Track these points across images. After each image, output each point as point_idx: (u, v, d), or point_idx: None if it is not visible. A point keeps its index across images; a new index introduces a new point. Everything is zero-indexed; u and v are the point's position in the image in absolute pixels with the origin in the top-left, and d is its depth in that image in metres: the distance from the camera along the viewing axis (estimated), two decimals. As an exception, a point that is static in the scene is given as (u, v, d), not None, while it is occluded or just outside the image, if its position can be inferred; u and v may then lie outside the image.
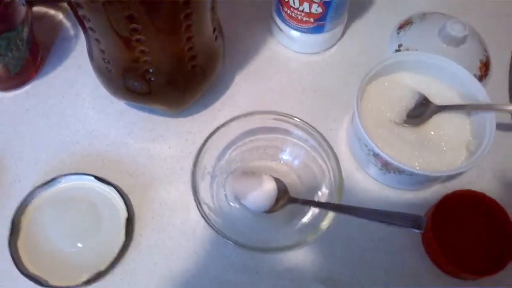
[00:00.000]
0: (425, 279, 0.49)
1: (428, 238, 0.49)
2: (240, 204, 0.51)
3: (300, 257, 0.50)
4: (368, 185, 0.54)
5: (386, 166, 0.50)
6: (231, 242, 0.45)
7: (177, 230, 0.51)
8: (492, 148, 0.47)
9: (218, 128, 0.50)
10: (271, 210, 0.50)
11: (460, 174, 0.55)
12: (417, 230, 0.41)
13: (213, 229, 0.45)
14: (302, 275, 0.49)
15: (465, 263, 0.48)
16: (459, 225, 0.51)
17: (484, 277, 0.48)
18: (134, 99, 0.52)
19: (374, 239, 0.51)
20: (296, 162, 0.54)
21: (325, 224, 0.45)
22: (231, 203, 0.52)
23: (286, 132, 0.53)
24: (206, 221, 0.46)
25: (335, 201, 0.47)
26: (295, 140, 0.53)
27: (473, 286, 0.49)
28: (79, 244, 0.49)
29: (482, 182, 0.54)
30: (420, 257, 0.50)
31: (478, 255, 0.49)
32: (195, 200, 0.46)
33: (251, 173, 0.53)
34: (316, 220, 0.48)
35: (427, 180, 0.51)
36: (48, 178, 0.52)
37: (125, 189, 0.52)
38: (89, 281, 0.47)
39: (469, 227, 0.50)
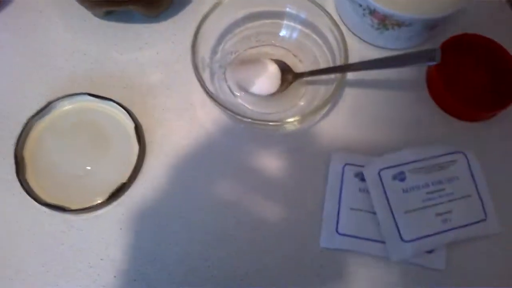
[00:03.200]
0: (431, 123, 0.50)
1: (432, 77, 0.50)
2: (246, 92, 0.50)
3: (315, 132, 0.50)
4: (363, 52, 0.54)
5: (383, 22, 0.49)
6: (243, 120, 0.44)
7: (186, 129, 0.49)
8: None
9: (206, 16, 0.47)
10: (278, 91, 0.49)
11: (455, 20, 0.54)
12: (434, 63, 0.40)
13: (223, 108, 0.44)
14: (319, 149, 0.49)
15: (468, 100, 0.49)
16: (463, 67, 0.51)
17: (487, 114, 0.49)
18: (110, 4, 0.49)
19: (381, 102, 0.51)
20: (292, 40, 0.52)
21: (333, 91, 0.45)
22: (236, 93, 0.50)
23: (275, 14, 0.51)
24: (219, 105, 0.44)
25: (342, 63, 0.46)
26: (285, 22, 0.52)
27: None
28: (87, 167, 0.47)
29: (488, 29, 0.53)
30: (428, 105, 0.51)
31: (482, 94, 0.50)
32: (203, 88, 0.45)
33: (249, 61, 0.51)
34: (322, 92, 0.47)
35: (425, 30, 0.51)
36: (40, 107, 0.48)
37: (123, 102, 0.50)
38: (113, 196, 0.45)
39: (473, 69, 0.51)
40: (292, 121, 0.45)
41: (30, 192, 0.45)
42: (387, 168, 0.46)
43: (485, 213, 0.46)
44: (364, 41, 0.54)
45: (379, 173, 0.46)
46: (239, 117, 0.44)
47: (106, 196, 0.45)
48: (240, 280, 0.44)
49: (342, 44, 0.46)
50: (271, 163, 0.48)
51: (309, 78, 0.51)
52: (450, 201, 0.45)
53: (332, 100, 0.47)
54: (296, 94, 0.51)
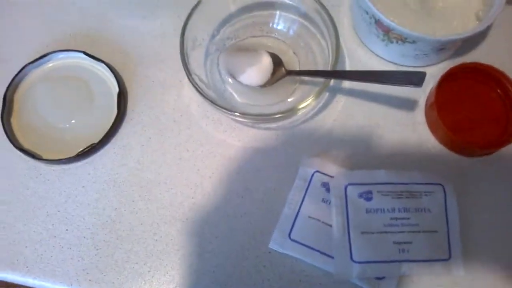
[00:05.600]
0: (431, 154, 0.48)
1: (433, 114, 0.47)
2: (235, 80, 0.49)
3: (297, 133, 0.49)
4: (370, 62, 0.51)
5: (388, 34, 0.47)
6: (224, 112, 0.43)
7: (170, 106, 0.50)
8: (503, 21, 0.43)
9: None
10: (266, 83, 0.48)
11: (468, 48, 0.51)
12: (416, 87, 0.38)
13: (205, 98, 0.44)
14: (296, 150, 0.48)
15: (462, 131, 0.46)
16: (465, 98, 0.48)
17: (490, 149, 0.46)
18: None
19: (374, 115, 0.49)
20: (295, 37, 0.51)
21: (315, 94, 0.44)
22: (226, 79, 0.50)
23: (281, 5, 0.50)
24: (197, 90, 0.44)
25: (331, 67, 0.45)
26: (294, 17, 0.51)
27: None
28: (72, 121, 0.49)
29: (492, 56, 0.51)
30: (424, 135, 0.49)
31: (486, 128, 0.47)
32: (184, 67, 0.45)
33: (246, 49, 0.51)
34: (310, 92, 0.46)
35: (432, 51, 0.48)
36: (38, 56, 0.50)
37: (116, 67, 0.51)
38: (82, 154, 0.47)
39: (477, 100, 0.48)
40: (274, 116, 0.44)
41: (10, 134, 0.48)
42: (356, 184, 0.44)
43: (450, 253, 0.43)
44: (372, 52, 0.52)
45: (345, 188, 0.44)
46: (209, 102, 0.44)
47: (75, 152, 0.47)
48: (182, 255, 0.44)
49: (336, 49, 0.45)
50: (244, 155, 0.48)
51: (302, 78, 0.49)
52: (413, 232, 0.43)
53: (316, 102, 0.46)
54: (286, 91, 0.50)
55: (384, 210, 0.43)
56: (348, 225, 0.43)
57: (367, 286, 0.42)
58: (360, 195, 0.44)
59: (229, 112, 0.44)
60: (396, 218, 0.43)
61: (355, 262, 0.42)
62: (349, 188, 0.44)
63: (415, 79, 0.38)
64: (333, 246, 0.43)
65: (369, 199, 0.44)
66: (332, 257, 0.43)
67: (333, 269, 0.42)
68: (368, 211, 0.44)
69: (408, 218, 0.43)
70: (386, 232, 0.43)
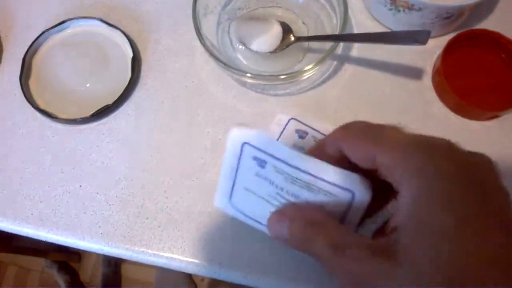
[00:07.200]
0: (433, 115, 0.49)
1: (440, 78, 0.48)
2: (245, 47, 0.51)
3: (298, 100, 0.50)
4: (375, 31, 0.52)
5: (395, 2, 0.48)
6: (236, 76, 0.45)
7: (182, 72, 0.51)
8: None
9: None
10: (275, 50, 0.50)
11: (476, 19, 0.52)
12: (420, 44, 0.39)
13: (216, 60, 0.45)
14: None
15: (478, 100, 0.46)
16: (473, 65, 0.49)
17: (497, 112, 0.46)
18: None
19: (381, 86, 0.50)
20: (304, 6, 0.53)
21: (320, 59, 0.45)
22: (236, 46, 0.51)
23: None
24: (209, 53, 0.46)
25: (339, 31, 0.46)
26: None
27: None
28: (87, 84, 0.51)
29: (500, 27, 0.51)
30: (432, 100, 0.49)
31: (492, 93, 0.48)
32: (196, 31, 0.46)
33: (256, 18, 0.52)
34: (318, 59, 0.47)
35: (438, 20, 0.49)
36: (57, 22, 0.52)
37: (131, 34, 0.53)
38: (97, 114, 0.48)
39: (482, 66, 0.49)
40: (282, 77, 0.45)
41: (27, 95, 0.49)
42: (254, 147, 0.32)
43: None
44: (380, 23, 0.53)
45: (242, 145, 0.32)
46: (221, 64, 0.45)
47: (90, 113, 0.48)
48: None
49: (343, 18, 0.46)
50: (253, 120, 0.49)
51: (311, 47, 0.51)
52: None
53: (323, 67, 0.47)
54: (295, 59, 0.51)
55: (273, 183, 0.33)
56: (236, 173, 0.33)
57: None
58: (254, 158, 0.33)
59: (241, 73, 0.45)
60: (283, 197, 0.33)
61: (232, 205, 0.34)
62: (246, 147, 0.33)
63: (419, 37, 0.39)
64: (220, 180, 0.34)
65: (262, 166, 0.33)
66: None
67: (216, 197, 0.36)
68: (257, 174, 0.33)
69: (294, 203, 0.32)
70: (267, 201, 0.33)
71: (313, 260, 0.24)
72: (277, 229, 0.27)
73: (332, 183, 0.31)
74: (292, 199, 0.32)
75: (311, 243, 0.24)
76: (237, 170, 0.35)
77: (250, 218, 0.34)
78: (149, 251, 0.44)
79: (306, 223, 0.25)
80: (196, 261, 0.44)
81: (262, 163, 0.33)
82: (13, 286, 1.31)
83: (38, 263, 1.29)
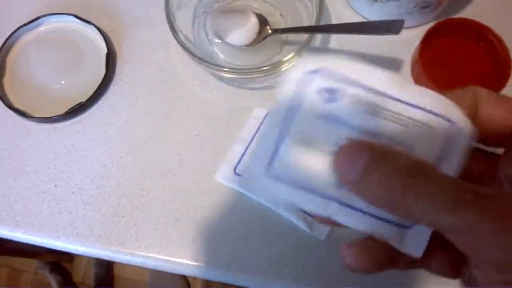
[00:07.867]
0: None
1: (418, 69, 0.47)
2: (221, 40, 0.50)
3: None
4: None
5: (372, -8, 0.47)
6: (212, 71, 0.44)
7: (158, 67, 0.51)
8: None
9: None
10: (252, 43, 0.49)
11: (455, 9, 0.51)
12: (393, 34, 0.38)
13: (191, 55, 0.44)
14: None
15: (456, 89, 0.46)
16: (451, 54, 0.48)
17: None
18: None
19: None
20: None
21: (301, 47, 0.44)
22: (213, 40, 0.50)
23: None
24: (183, 47, 0.45)
25: (315, 23, 0.45)
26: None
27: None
28: (62, 81, 0.50)
29: (479, 16, 0.50)
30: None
31: (471, 81, 0.47)
32: (169, 24, 0.45)
33: (233, 11, 0.52)
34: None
35: (416, 9, 0.48)
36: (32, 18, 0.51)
37: (105, 30, 0.52)
38: (71, 112, 0.48)
39: (462, 55, 0.48)
40: (259, 70, 0.44)
41: (1, 94, 0.49)
42: (326, 76, 0.25)
43: None
44: (358, 13, 0.52)
45: (305, 78, 0.25)
46: (196, 59, 0.44)
47: (64, 111, 0.47)
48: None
49: (319, 7, 0.45)
50: (230, 115, 0.48)
51: (288, 39, 0.50)
52: None
53: (296, 60, 0.46)
54: (272, 51, 0.50)
55: (345, 122, 0.24)
56: (287, 124, 0.25)
57: (302, 222, 0.41)
58: (321, 91, 0.25)
59: (216, 67, 0.44)
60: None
61: (269, 175, 0.24)
62: (313, 78, 0.25)
63: (393, 27, 0.38)
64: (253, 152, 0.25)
65: (332, 100, 0.25)
66: None
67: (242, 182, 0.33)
68: (321, 116, 0.25)
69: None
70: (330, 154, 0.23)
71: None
72: (350, 168, 0.19)
73: (428, 110, 0.25)
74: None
75: (408, 199, 0.17)
76: (292, 116, 0.25)
77: (300, 187, 0.24)
78: (125, 250, 0.44)
79: (400, 167, 0.17)
80: (173, 259, 0.43)
81: (333, 96, 0.25)
82: (5, 288, 1.30)
83: (30, 265, 1.28)
